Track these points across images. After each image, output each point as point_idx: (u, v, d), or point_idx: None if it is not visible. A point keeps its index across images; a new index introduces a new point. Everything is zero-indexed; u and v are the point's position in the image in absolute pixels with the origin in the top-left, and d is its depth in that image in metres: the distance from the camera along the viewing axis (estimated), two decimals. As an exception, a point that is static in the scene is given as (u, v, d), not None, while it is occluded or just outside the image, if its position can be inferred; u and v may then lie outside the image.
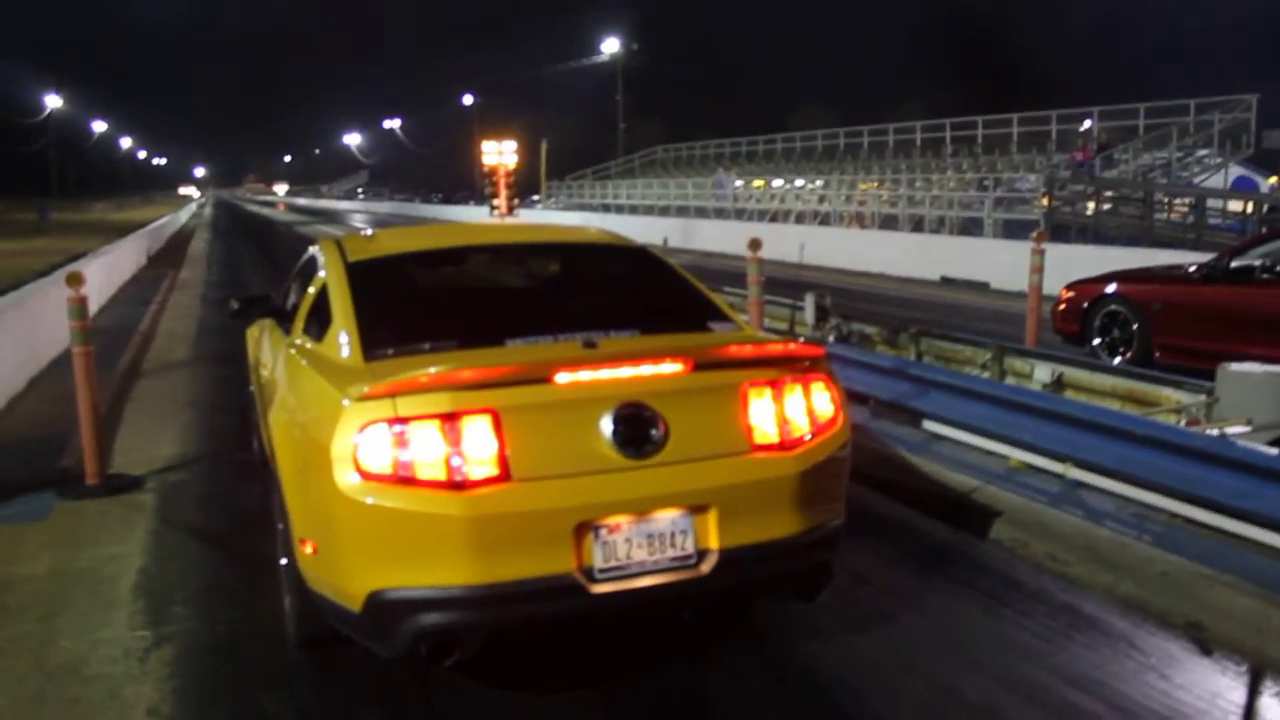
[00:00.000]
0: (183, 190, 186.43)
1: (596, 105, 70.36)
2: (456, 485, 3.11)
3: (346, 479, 3.13)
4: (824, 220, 30.72)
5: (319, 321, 4.03)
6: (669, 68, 76.78)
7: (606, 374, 3.26)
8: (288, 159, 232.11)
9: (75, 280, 6.23)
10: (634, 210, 42.87)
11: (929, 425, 7.18)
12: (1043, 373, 8.76)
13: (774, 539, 3.36)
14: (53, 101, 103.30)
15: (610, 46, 56.62)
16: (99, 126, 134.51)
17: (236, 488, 6.48)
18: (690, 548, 3.27)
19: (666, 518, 3.25)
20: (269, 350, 4.90)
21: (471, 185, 76.96)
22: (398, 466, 3.11)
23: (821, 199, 32.35)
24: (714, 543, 3.28)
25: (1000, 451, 6.56)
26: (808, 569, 3.57)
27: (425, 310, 4.05)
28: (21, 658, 4.20)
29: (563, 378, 3.22)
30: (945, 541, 5.50)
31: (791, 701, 3.85)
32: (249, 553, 5.26)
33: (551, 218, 46.07)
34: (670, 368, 3.32)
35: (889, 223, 27.81)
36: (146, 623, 4.51)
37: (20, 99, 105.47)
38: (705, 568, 3.27)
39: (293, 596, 3.83)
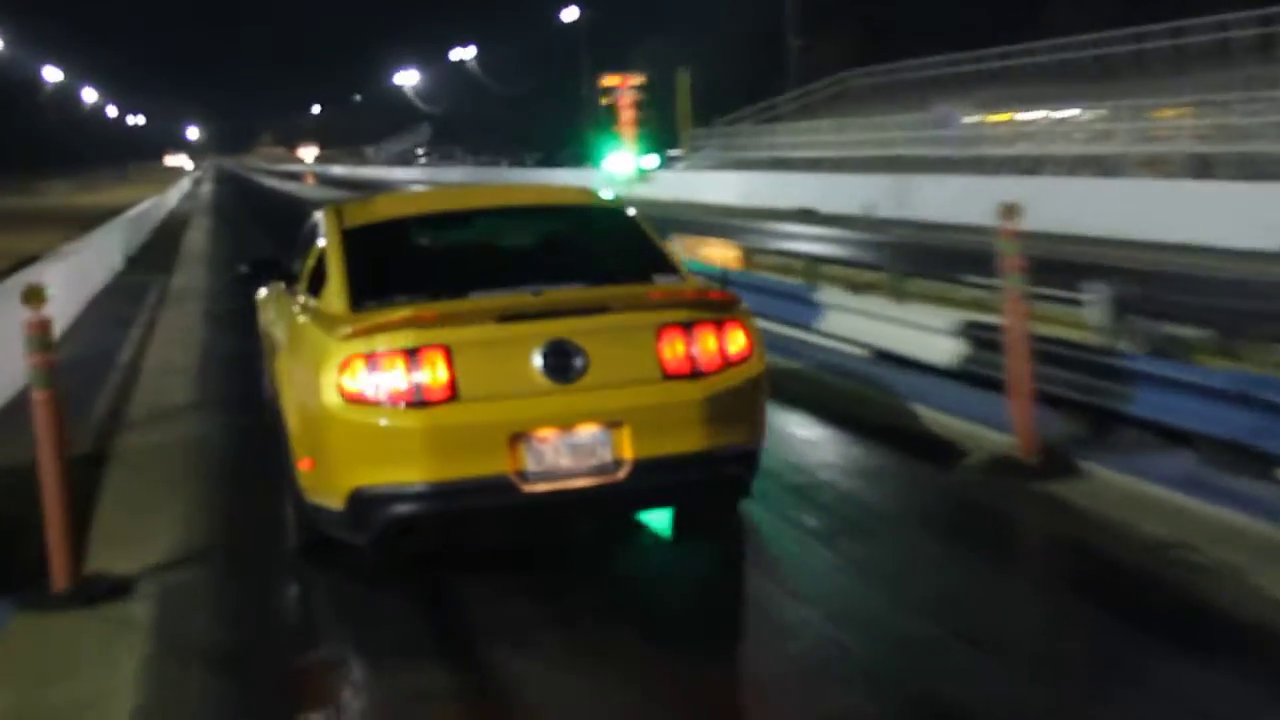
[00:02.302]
0: (170, 160, 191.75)
1: (757, 17, 70.20)
2: (417, 404, 5.47)
3: (333, 400, 5.54)
4: (1106, 169, 30.08)
5: (318, 281, 6.60)
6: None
7: (539, 318, 5.62)
8: (316, 110, 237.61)
9: (35, 297, 6.36)
10: (818, 166, 42.69)
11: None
12: None
13: (682, 452, 5.60)
14: None
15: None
16: (51, 74, 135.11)
17: (266, 591, 6.55)
18: (608, 457, 5.56)
19: (587, 432, 5.54)
20: (276, 309, 7.82)
21: (580, 139, 77.65)
22: (373, 390, 5.50)
23: (1098, 136, 31.69)
24: (628, 453, 5.56)
25: None
26: (719, 481, 5.93)
27: (406, 267, 6.59)
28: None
29: (502, 320, 5.60)
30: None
31: None
32: (280, 682, 5.33)
33: (695, 183, 46.15)
34: (593, 312, 5.67)
35: (1204, 168, 27.03)
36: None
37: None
38: (621, 474, 5.54)
39: (293, 508, 6.45)
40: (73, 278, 19.11)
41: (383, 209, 7.52)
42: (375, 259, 6.48)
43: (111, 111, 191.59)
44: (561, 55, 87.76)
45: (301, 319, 6.55)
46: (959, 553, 6.83)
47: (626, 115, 30.28)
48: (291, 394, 6.30)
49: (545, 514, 5.78)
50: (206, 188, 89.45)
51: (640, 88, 28.80)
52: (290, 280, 7.58)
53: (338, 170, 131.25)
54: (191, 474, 9.13)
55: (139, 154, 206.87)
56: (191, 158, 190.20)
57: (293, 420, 6.24)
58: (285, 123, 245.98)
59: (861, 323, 12.49)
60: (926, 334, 11.29)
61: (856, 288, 15.16)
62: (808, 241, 26.75)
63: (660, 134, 52.23)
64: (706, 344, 5.78)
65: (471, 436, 5.44)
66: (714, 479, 5.89)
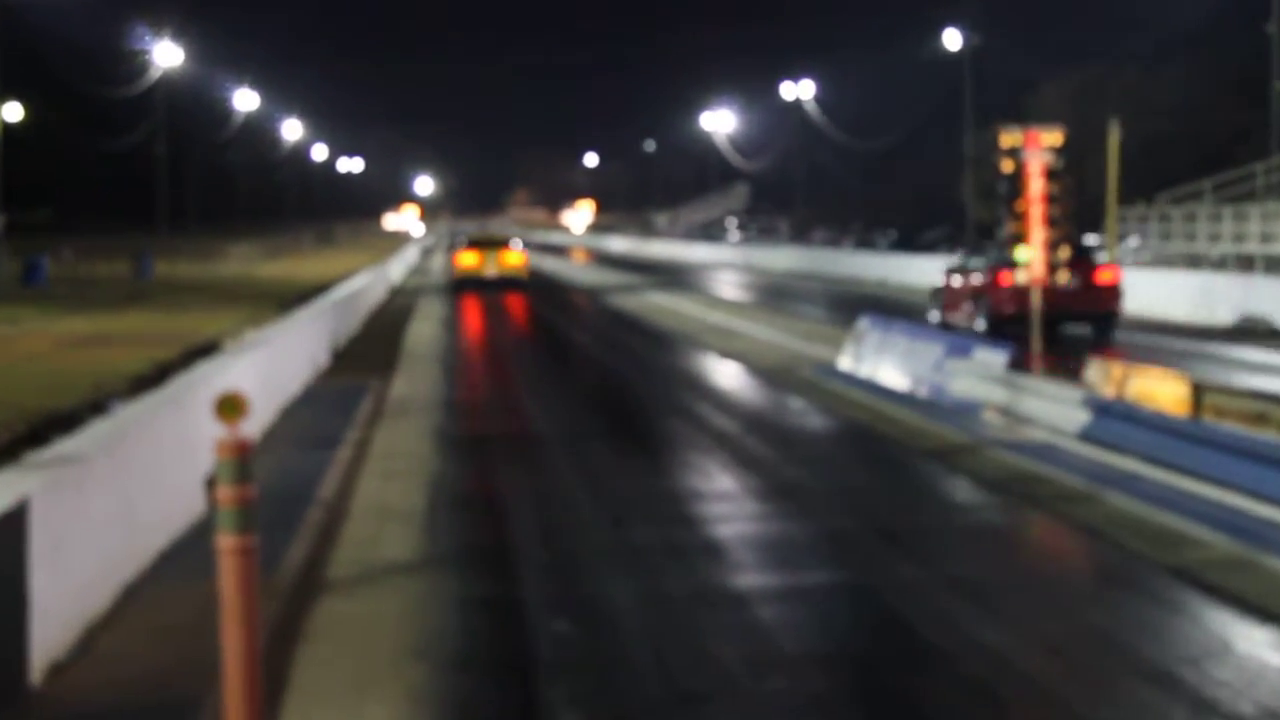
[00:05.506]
0: (391, 220, 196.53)
1: (1220, 45, 68.96)
2: (472, 264, 69.91)
3: (459, 265, 70.70)
4: None
5: (459, 245, 78.43)
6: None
7: (490, 249, 72.25)
8: (591, 161, 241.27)
9: (232, 409, 6.56)
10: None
11: None
12: None
13: (508, 274, 69.77)
14: (165, 56, 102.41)
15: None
16: (243, 101, 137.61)
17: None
18: (497, 271, 70.08)
19: (496, 270, 69.81)
20: (449, 251, 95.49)
21: (958, 214, 77.45)
22: (462, 258, 71.30)
23: None
24: (500, 271, 70.39)
25: None
26: (517, 280, 70.46)
27: (474, 242, 73.80)
28: None
29: (485, 250, 71.88)
30: None
31: None
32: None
33: (1125, 285, 45.31)
34: (497, 249, 71.57)
35: None
36: None
37: (114, 55, 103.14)
38: (498, 276, 70.37)
39: (451, 282, 72.78)
40: (261, 377, 19.40)
41: (474, 234, 77.72)
42: (470, 241, 70.49)
43: (317, 152, 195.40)
44: (936, 94, 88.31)
45: (457, 247, 74.65)
46: None
47: (1035, 187, 29.35)
48: (454, 260, 69.36)
49: (487, 281, 65.06)
50: (439, 261, 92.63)
51: (1057, 150, 27.92)
52: (459, 245, 72.67)
53: (617, 245, 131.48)
54: (409, 658, 9.52)
55: (351, 209, 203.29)
56: (422, 218, 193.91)
57: (451, 266, 69.38)
58: (548, 177, 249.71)
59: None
60: None
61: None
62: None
63: (1084, 206, 51.08)
64: (513, 255, 66.85)
65: (476, 267, 65.57)
66: (514, 280, 65.79)
